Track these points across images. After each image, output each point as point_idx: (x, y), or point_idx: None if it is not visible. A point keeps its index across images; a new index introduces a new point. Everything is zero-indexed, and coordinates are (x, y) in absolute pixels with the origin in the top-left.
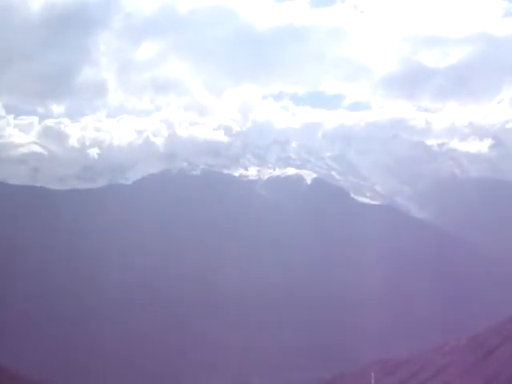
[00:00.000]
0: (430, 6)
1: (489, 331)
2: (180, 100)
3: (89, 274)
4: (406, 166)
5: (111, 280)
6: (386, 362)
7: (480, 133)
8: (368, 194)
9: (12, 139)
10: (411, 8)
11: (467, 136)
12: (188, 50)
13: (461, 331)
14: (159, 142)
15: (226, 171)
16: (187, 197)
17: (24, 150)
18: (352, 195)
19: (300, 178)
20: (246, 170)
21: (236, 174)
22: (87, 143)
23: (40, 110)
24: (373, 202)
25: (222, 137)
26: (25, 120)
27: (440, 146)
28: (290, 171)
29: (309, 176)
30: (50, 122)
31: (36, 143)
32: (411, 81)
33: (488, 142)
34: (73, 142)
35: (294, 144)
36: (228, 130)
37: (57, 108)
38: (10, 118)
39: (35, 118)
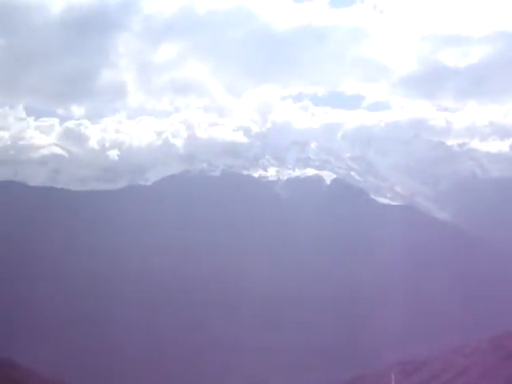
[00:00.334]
0: (450, 4)
1: (509, 332)
2: (199, 101)
3: (108, 275)
4: (427, 166)
5: (130, 281)
6: (406, 363)
7: (501, 132)
8: (388, 195)
9: (33, 141)
10: (430, 7)
11: (488, 136)
12: (207, 51)
13: (481, 332)
14: (179, 143)
15: (245, 172)
16: (207, 198)
17: (45, 151)
18: (372, 196)
19: (319, 179)
20: (266, 170)
21: (255, 174)
22: (107, 145)
23: (60, 111)
24: (393, 203)
25: (241, 138)
26: (45, 122)
27: (460, 145)
28: (310, 172)
29: (328, 177)
30: (70, 124)
31: (56, 145)
32: (431, 80)
33: (509, 141)
34: (93, 143)
35: (313, 145)
36: (247, 131)
37: (77, 110)
38: (31, 120)
39: (56, 120)
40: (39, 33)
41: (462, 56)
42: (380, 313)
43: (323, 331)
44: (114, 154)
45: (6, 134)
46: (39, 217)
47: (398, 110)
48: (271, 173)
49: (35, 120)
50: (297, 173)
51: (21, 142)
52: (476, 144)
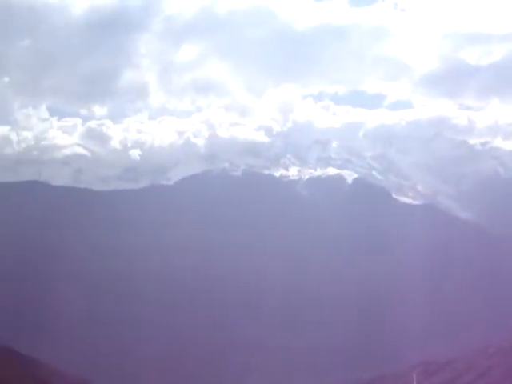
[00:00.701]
0: (472, 2)
1: None
2: (220, 101)
3: (130, 274)
4: (449, 165)
5: (151, 281)
6: (428, 363)
7: None
8: (410, 194)
9: (56, 141)
10: (452, 5)
11: (510, 134)
12: (228, 50)
13: (503, 331)
14: (200, 142)
15: (266, 172)
16: (228, 197)
17: (67, 151)
18: (393, 195)
19: (341, 178)
20: (287, 170)
21: (277, 174)
22: (129, 144)
23: (83, 112)
24: (414, 202)
25: (262, 137)
26: (68, 122)
27: (483, 144)
28: (331, 171)
29: (350, 176)
30: (92, 124)
31: (79, 145)
32: (453, 79)
33: None
34: (115, 143)
35: (334, 144)
36: (268, 131)
37: (99, 110)
38: (54, 120)
39: (78, 120)
40: (62, 34)
41: (484, 54)
42: (401, 312)
43: (343, 331)
44: (135, 153)
45: (29, 134)
46: (61, 216)
47: (420, 108)
48: (292, 172)
49: (58, 120)
50: (318, 172)
51: (44, 142)
52: (499, 143)
